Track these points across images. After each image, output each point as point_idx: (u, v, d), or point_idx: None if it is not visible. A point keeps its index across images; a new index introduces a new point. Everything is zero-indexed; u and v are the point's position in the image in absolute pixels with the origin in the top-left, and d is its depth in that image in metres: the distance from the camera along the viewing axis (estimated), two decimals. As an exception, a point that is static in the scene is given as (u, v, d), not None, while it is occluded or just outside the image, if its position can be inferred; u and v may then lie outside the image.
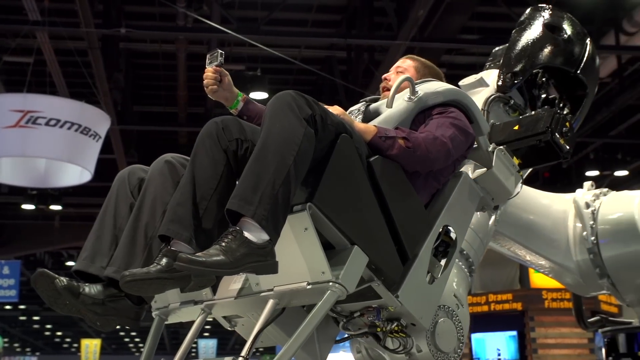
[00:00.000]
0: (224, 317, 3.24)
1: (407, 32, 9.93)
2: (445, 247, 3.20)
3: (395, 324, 3.05)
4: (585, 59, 3.77)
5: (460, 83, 3.97)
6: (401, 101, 3.21)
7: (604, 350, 5.50)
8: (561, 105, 3.80)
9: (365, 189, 2.85)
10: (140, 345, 42.97)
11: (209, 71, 3.29)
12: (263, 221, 2.53)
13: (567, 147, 3.54)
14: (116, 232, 2.99)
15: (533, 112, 3.70)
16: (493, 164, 3.42)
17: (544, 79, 3.81)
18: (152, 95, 14.39)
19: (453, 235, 3.20)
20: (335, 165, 2.75)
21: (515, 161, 3.51)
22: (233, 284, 2.98)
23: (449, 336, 3.37)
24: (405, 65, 3.58)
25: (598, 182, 5.92)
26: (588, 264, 4.87)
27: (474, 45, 11.31)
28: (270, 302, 2.74)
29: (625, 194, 5.00)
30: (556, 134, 3.48)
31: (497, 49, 4.08)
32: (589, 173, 15.05)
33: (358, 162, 2.86)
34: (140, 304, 2.91)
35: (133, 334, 39.22)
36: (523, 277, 14.35)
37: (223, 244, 2.50)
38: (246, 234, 2.52)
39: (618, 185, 13.77)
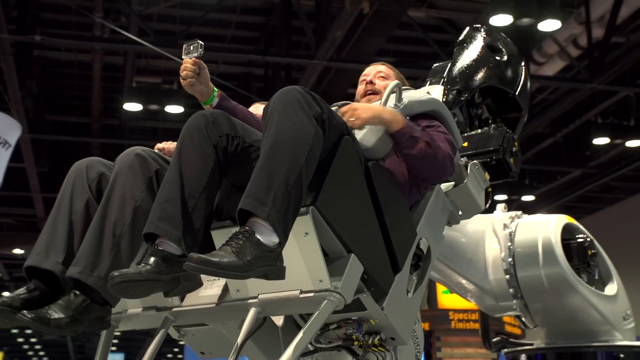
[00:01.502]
0: (175, 326, 3.08)
1: (325, 52, 10.04)
2: (417, 260, 3.09)
3: (377, 337, 2.91)
4: (522, 81, 3.85)
5: None
6: (383, 100, 3.12)
7: (506, 371, 5.63)
8: (498, 126, 3.86)
9: (364, 194, 2.74)
10: (45, 358, 41.97)
11: (188, 62, 3.04)
12: (276, 223, 2.39)
13: (515, 167, 3.60)
14: (71, 228, 2.81)
15: (480, 130, 3.74)
16: (467, 178, 3.40)
17: (480, 99, 3.87)
18: (66, 104, 14.17)
19: (423, 247, 3.11)
20: (338, 168, 2.63)
21: (487, 176, 3.52)
22: (204, 289, 2.79)
23: (408, 352, 3.24)
24: (386, 71, 3.51)
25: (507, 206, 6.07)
26: (503, 284, 5.00)
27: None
28: (252, 311, 2.59)
29: (541, 217, 5.15)
30: (507, 152, 3.55)
31: (436, 65, 4.08)
32: (497, 197, 15.40)
33: (359, 166, 2.75)
34: (105, 305, 2.70)
35: (38, 347, 38.27)
36: (431, 297, 14.56)
37: (234, 244, 2.35)
38: (257, 235, 2.38)
39: (525, 209, 14.08)
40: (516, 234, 5.05)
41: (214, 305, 2.77)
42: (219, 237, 2.66)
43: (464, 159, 3.51)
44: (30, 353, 39.69)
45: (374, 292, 2.74)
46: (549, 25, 9.53)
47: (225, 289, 2.76)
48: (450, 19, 11.23)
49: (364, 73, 3.55)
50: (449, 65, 3.91)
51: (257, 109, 3.76)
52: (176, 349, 35.70)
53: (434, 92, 3.89)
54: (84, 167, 2.96)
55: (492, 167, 3.57)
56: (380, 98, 3.30)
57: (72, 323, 2.61)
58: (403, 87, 3.30)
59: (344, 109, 2.90)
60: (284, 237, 2.43)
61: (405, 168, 3.05)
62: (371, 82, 3.46)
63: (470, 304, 12.12)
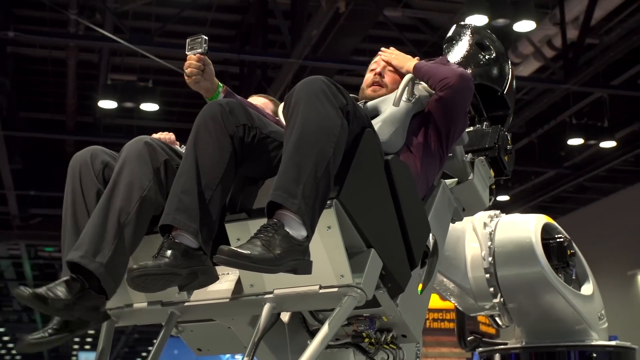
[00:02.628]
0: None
1: (300, 51, 10.03)
2: (424, 257, 3.02)
3: (390, 334, 2.87)
4: (509, 79, 3.86)
5: None
6: (399, 93, 3.09)
7: (480, 370, 5.64)
8: (485, 123, 3.87)
9: (384, 189, 2.70)
10: (18, 357, 41.66)
11: (193, 59, 2.98)
12: (305, 216, 2.34)
13: (509, 165, 3.60)
14: None
15: (472, 128, 3.74)
16: (474, 174, 3.40)
17: None
18: (40, 101, 14.06)
19: (429, 244, 3.04)
20: (360, 162, 2.58)
21: (492, 173, 3.51)
22: (214, 284, 2.68)
23: (408, 349, 3.17)
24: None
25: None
26: (483, 283, 5.00)
27: (366, 67, 11.48)
28: (267, 307, 2.54)
29: (520, 217, 5.16)
30: (502, 150, 3.54)
31: None
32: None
33: (380, 159, 2.71)
34: (101, 294, 2.62)
35: (10, 345, 38.00)
36: (406, 296, 14.57)
37: (263, 237, 2.29)
38: (287, 229, 2.33)
39: (499, 209, 14.13)
40: (496, 232, 5.06)
41: (225, 300, 2.69)
42: (233, 230, 2.62)
43: (469, 155, 3.51)
44: (3, 352, 39.41)
45: (390, 289, 2.70)
46: (524, 26, 9.57)
47: (238, 284, 2.69)
48: (425, 19, 11.26)
49: (374, 61, 3.53)
50: None
51: (255, 100, 3.73)
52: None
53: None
54: (88, 158, 2.88)
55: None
56: (386, 92, 3.32)
57: (69, 306, 2.55)
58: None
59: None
60: (311, 231, 2.38)
61: (418, 162, 3.06)
62: (380, 74, 3.43)
63: (445, 304, 12.18)
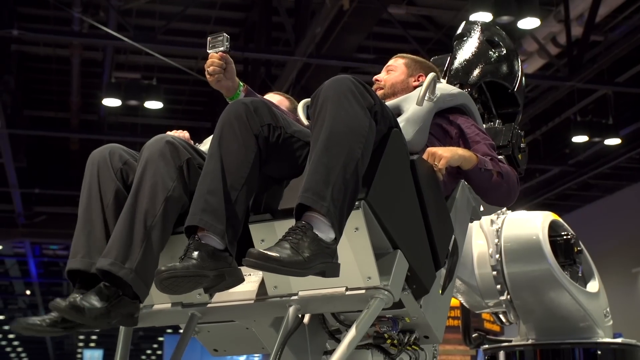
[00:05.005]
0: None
1: (305, 49, 10.02)
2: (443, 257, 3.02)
3: (414, 336, 2.86)
4: (519, 76, 3.85)
5: None
6: (422, 93, 3.05)
7: (484, 367, 5.64)
8: (497, 121, 3.85)
9: (410, 189, 2.67)
10: (23, 354, 41.76)
11: (215, 57, 2.93)
12: (333, 219, 2.32)
13: (523, 164, 3.57)
14: (106, 224, 2.71)
15: (485, 126, 3.71)
16: None
17: (477, 94, 3.82)
18: (44, 99, 14.08)
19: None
20: (387, 162, 2.55)
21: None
22: (237, 287, 2.66)
23: (427, 351, 3.15)
24: (396, 64, 3.47)
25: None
26: (490, 281, 5.00)
27: (370, 65, 11.49)
28: (292, 309, 2.52)
29: (527, 214, 5.16)
30: (516, 149, 3.53)
31: (435, 58, 4.02)
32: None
33: (406, 159, 2.68)
34: (134, 299, 2.60)
35: (15, 343, 38.07)
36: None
37: (291, 239, 2.27)
38: (315, 231, 2.31)
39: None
40: (503, 229, 5.06)
41: (249, 302, 2.66)
42: (258, 230, 2.60)
43: None
44: (8, 349, 39.48)
45: (415, 290, 2.67)
46: (528, 23, 9.55)
47: (262, 285, 2.65)
48: (430, 16, 11.24)
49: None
50: (450, 59, 3.89)
51: (271, 98, 3.71)
52: (155, 345, 35.63)
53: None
54: (107, 155, 2.84)
55: None
56: (384, 92, 3.33)
57: (106, 315, 2.52)
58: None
59: (425, 156, 2.88)
60: (339, 233, 2.36)
61: None
62: (378, 79, 3.44)
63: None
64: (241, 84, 3.05)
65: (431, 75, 3.10)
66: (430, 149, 2.91)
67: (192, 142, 3.43)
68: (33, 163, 14.62)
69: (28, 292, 25.86)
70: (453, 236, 2.97)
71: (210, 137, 3.33)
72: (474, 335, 5.97)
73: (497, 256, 5.00)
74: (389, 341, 2.82)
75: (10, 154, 12.91)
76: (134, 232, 2.58)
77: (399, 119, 2.94)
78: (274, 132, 2.59)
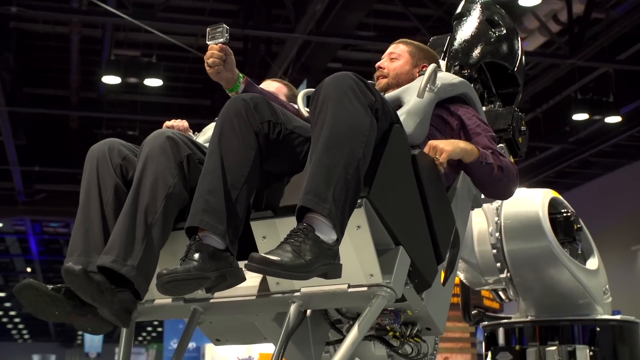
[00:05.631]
0: None
1: (305, 26, 9.99)
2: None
3: (416, 328, 2.86)
4: (519, 56, 3.83)
5: None
6: (423, 85, 3.02)
7: (484, 344, 5.67)
8: (498, 103, 3.83)
9: (412, 185, 2.66)
10: (24, 331, 41.95)
11: (215, 49, 2.91)
12: (335, 220, 2.32)
13: (523, 147, 3.57)
14: (105, 220, 2.69)
15: (485, 108, 3.69)
16: None
17: (476, 74, 3.81)
18: (44, 77, 14.04)
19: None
20: (389, 159, 2.54)
21: (511, 159, 3.46)
22: None
23: (429, 340, 3.15)
24: (399, 51, 3.39)
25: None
26: (490, 258, 5.02)
27: (370, 42, 11.45)
28: (294, 306, 2.52)
29: (527, 191, 5.16)
30: (516, 132, 3.51)
31: (434, 38, 4.00)
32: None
33: (408, 155, 2.67)
34: (135, 297, 2.59)
35: (17, 320, 38.21)
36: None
37: (293, 242, 2.28)
38: (317, 233, 2.31)
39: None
40: (503, 207, 5.07)
41: (250, 298, 2.66)
42: (259, 228, 2.61)
43: None
44: (10, 326, 39.64)
45: (417, 284, 2.68)
46: (529, 0, 9.52)
47: (264, 281, 2.65)
48: (430, -7, 11.20)
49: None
50: (449, 39, 3.86)
51: (268, 85, 3.71)
52: (155, 322, 35.73)
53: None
54: (106, 150, 2.82)
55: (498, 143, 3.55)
56: (388, 81, 3.29)
57: (109, 293, 2.52)
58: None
59: (426, 149, 2.87)
60: (341, 234, 2.36)
61: None
62: (382, 67, 3.38)
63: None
64: (241, 75, 3.02)
65: (432, 66, 3.07)
66: (432, 142, 2.90)
67: (190, 131, 3.43)
68: (33, 141, 14.61)
69: (29, 270, 25.93)
70: (454, 228, 2.98)
71: (209, 127, 3.35)
72: (473, 312, 6.00)
73: (497, 234, 5.01)
74: (391, 333, 2.84)
75: (10, 131, 12.90)
76: (135, 229, 2.57)
77: (400, 112, 2.92)
78: (274, 128, 2.58)
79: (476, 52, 3.73)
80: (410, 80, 3.27)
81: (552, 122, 14.18)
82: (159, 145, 2.69)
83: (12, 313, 36.00)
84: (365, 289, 2.47)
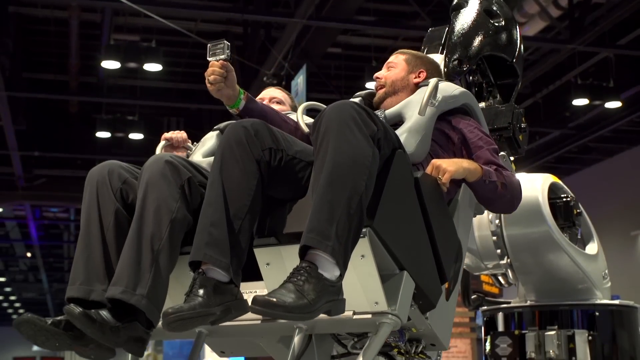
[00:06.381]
0: None
1: (304, 11, 9.96)
2: None
3: (421, 346, 2.89)
4: (518, 46, 3.81)
5: None
6: (425, 102, 2.98)
7: (483, 329, 5.68)
8: (497, 99, 3.81)
9: (415, 209, 2.66)
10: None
11: (216, 66, 2.87)
12: (338, 256, 2.32)
13: (524, 144, 3.54)
14: (106, 247, 2.70)
15: (484, 104, 3.67)
16: None
17: (475, 66, 3.78)
18: (43, 62, 14.02)
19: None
20: (392, 185, 2.53)
21: (513, 167, 3.45)
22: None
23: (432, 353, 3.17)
24: (396, 60, 3.37)
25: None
26: (489, 243, 5.01)
27: (370, 27, 11.43)
28: (300, 331, 2.53)
29: (527, 176, 5.16)
30: (516, 130, 3.48)
31: (432, 29, 3.97)
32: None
33: (411, 179, 2.66)
34: (147, 326, 2.60)
35: (17, 305, 38.30)
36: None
37: (296, 281, 2.29)
38: (320, 271, 2.32)
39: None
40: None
41: (256, 322, 2.65)
42: (263, 254, 2.61)
43: None
44: (10, 311, 39.71)
45: (421, 305, 2.70)
46: (530, -16, 9.50)
47: None
48: (431, -22, 11.17)
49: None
50: (447, 31, 3.82)
51: (271, 92, 3.75)
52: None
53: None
54: (106, 174, 2.80)
55: (499, 144, 3.52)
56: (386, 90, 3.27)
57: (115, 331, 2.51)
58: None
59: (429, 169, 2.85)
60: (344, 269, 2.37)
61: None
62: (379, 77, 3.36)
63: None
64: (242, 91, 3.00)
65: (433, 81, 3.04)
66: (435, 162, 2.89)
67: (189, 141, 3.43)
68: (32, 126, 14.59)
69: (29, 255, 25.97)
70: (458, 243, 2.97)
71: (207, 137, 3.39)
72: (473, 297, 6.00)
73: (497, 221, 5.01)
74: (395, 350, 2.84)
75: (9, 116, 12.89)
76: (142, 257, 2.57)
77: (401, 130, 2.91)
78: (275, 155, 2.58)
79: (475, 45, 3.70)
80: (407, 88, 3.27)
81: (552, 107, 14.16)
82: (158, 171, 2.68)
83: (13, 298, 36.07)
84: (369, 316, 2.49)
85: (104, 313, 2.52)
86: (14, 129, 13.39)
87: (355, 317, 2.49)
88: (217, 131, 3.44)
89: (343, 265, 2.36)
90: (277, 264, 2.57)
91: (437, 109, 3.04)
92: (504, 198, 3.05)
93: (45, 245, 24.50)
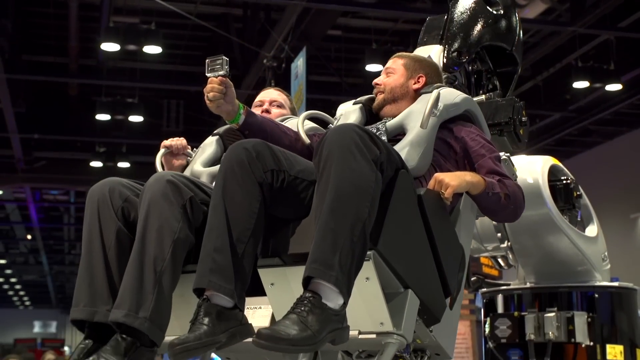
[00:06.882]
0: None
1: (305, -7, 9.94)
2: None
3: (426, 356, 2.89)
4: (518, 34, 3.78)
5: None
6: (427, 114, 2.96)
7: (483, 311, 5.70)
8: (494, 81, 3.80)
9: (419, 227, 2.65)
10: (25, 298, 42.11)
11: (215, 82, 2.84)
12: (342, 286, 2.33)
13: (524, 137, 3.52)
14: (108, 266, 2.71)
15: (484, 97, 3.64)
16: None
17: (474, 54, 3.76)
18: (42, 44, 13.98)
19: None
20: (395, 206, 2.53)
21: (514, 169, 3.45)
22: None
23: None
24: (395, 65, 3.31)
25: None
26: (489, 225, 5.02)
27: (370, 9, 11.39)
28: (304, 354, 2.55)
29: (527, 158, 5.15)
30: (517, 124, 3.45)
31: (431, 18, 3.92)
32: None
33: (414, 199, 2.66)
34: (152, 346, 2.60)
35: (18, 287, 38.36)
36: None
37: (299, 312, 2.30)
38: (324, 301, 2.33)
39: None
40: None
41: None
42: (267, 275, 2.62)
43: None
44: (11, 293, 39.79)
45: (426, 320, 2.71)
46: (530, -34, 9.47)
47: (272, 322, 2.67)
48: (431, -40, 11.13)
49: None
50: (445, 21, 3.78)
51: (270, 94, 3.72)
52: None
53: (433, 53, 3.73)
54: (107, 192, 2.81)
55: (500, 139, 3.50)
56: (385, 97, 3.24)
57: None
58: (438, 86, 3.17)
59: (431, 183, 2.84)
60: (348, 296, 2.38)
61: None
62: (378, 83, 3.31)
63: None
64: (241, 106, 2.99)
65: (435, 93, 3.01)
66: (438, 177, 2.87)
67: (189, 147, 3.43)
68: (32, 108, 14.58)
69: (29, 237, 26.00)
70: (461, 253, 2.97)
71: (207, 143, 3.42)
72: (472, 279, 6.01)
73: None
74: (400, 359, 2.85)
75: (9, 99, 12.87)
76: (144, 279, 2.58)
77: (402, 143, 2.92)
78: (277, 176, 2.58)
79: (474, 36, 3.67)
80: (406, 94, 3.24)
81: (552, 90, 14.14)
82: (160, 191, 2.68)
83: (13, 280, 36.14)
84: (374, 336, 2.50)
85: (109, 356, 2.52)
86: (14, 111, 13.38)
87: (360, 336, 2.50)
88: (217, 136, 3.46)
89: (347, 293, 2.36)
90: (281, 284, 2.58)
91: (439, 119, 3.03)
92: (507, 209, 3.04)
93: (46, 228, 24.52)
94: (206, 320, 2.43)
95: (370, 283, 2.46)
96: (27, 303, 43.32)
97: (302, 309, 2.31)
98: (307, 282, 2.37)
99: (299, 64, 10.82)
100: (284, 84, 11.37)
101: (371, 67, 11.78)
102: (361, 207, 2.39)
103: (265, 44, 11.57)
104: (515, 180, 3.31)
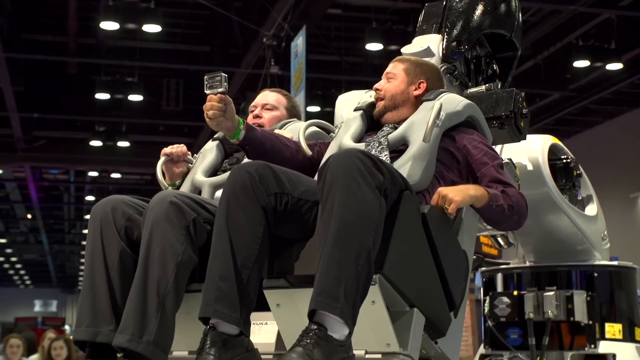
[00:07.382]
0: None
1: (304, -29, 9.90)
2: None
3: None
4: (517, 19, 3.75)
5: (403, 51, 3.70)
6: (429, 128, 2.92)
7: (482, 290, 5.71)
8: (493, 66, 3.77)
9: (423, 246, 2.64)
10: (26, 277, 42.22)
11: (214, 100, 2.82)
12: (348, 317, 2.33)
13: (525, 130, 3.49)
14: (111, 286, 2.72)
15: (484, 88, 3.59)
16: None
17: (477, 39, 3.72)
18: (42, 23, 13.94)
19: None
20: (400, 228, 2.52)
21: (517, 172, 3.40)
22: (253, 336, 2.66)
23: None
24: (395, 70, 3.25)
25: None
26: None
27: (370, -12, 11.37)
28: None
29: (527, 137, 5.15)
30: (518, 117, 3.42)
31: (429, 5, 3.85)
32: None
33: (418, 218, 2.63)
34: None
35: (18, 266, 38.45)
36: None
37: (305, 344, 2.30)
38: (330, 332, 2.33)
39: (504, 131, 14.08)
40: (503, 153, 5.06)
41: (267, 357, 2.68)
42: (273, 296, 2.61)
43: None
44: (11, 272, 39.90)
45: (431, 334, 2.71)
46: (531, -55, 9.42)
47: (279, 339, 2.68)
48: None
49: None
50: (444, 8, 3.73)
51: (265, 97, 3.69)
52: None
53: (433, 42, 3.67)
54: (109, 211, 2.81)
55: (499, 131, 3.47)
56: (385, 104, 3.19)
57: None
58: (441, 92, 3.15)
59: (435, 199, 2.81)
60: (353, 325, 2.38)
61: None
62: (379, 89, 3.26)
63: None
64: (241, 121, 2.97)
65: (438, 104, 2.98)
66: (441, 192, 2.83)
67: (189, 154, 3.42)
68: (31, 87, 14.56)
69: (29, 216, 26.04)
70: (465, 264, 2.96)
71: (207, 148, 3.41)
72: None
73: (499, 184, 5.00)
74: None
75: (8, 78, 12.85)
76: (148, 302, 2.59)
77: (405, 157, 2.90)
78: (281, 199, 2.58)
79: (473, 23, 3.64)
80: (407, 101, 3.19)
81: (552, 69, 14.11)
82: (163, 212, 2.68)
83: (14, 259, 36.23)
84: (380, 356, 2.50)
85: None
86: (13, 90, 13.35)
87: (367, 356, 2.51)
88: (217, 141, 3.45)
89: (352, 323, 2.36)
90: (287, 305, 2.58)
91: (441, 129, 3.00)
92: (510, 219, 3.02)
93: (46, 207, 24.56)
94: (213, 350, 2.43)
95: (376, 306, 2.47)
96: (28, 282, 43.48)
97: (308, 341, 2.31)
98: (312, 314, 2.36)
99: (299, 42, 10.78)
100: (283, 63, 11.35)
101: (371, 46, 11.76)
102: (365, 236, 2.38)
103: (265, 22, 11.53)
104: (518, 182, 3.30)
